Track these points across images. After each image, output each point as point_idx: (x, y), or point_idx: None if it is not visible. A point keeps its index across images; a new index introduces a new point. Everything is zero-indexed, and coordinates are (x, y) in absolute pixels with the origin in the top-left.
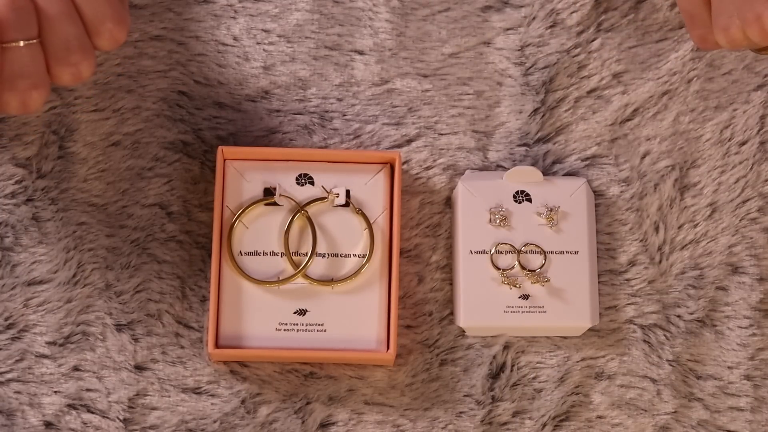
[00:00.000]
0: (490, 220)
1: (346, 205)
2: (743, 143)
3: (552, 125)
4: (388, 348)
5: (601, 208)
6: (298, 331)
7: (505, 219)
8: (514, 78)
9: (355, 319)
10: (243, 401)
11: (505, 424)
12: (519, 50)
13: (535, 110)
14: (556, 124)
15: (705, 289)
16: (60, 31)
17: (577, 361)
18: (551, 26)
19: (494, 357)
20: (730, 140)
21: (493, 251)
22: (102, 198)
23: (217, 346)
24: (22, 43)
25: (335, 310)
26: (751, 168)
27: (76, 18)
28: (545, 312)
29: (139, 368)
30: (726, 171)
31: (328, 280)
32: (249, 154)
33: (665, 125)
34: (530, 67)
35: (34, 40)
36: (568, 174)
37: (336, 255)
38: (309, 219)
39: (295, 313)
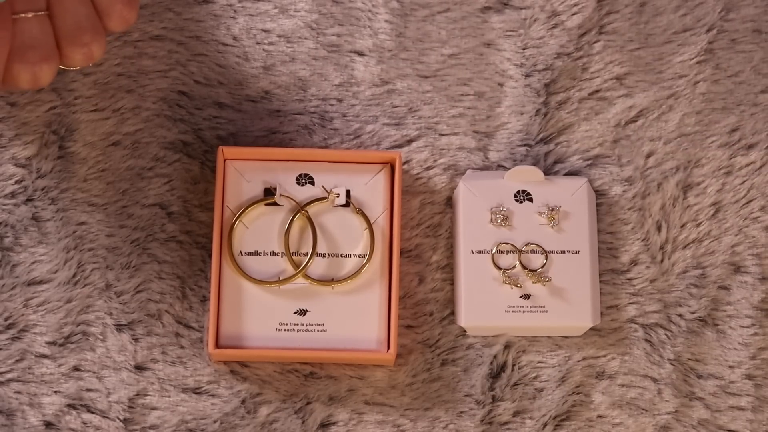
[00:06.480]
0: (491, 219)
1: (347, 205)
2: (749, 145)
3: (554, 126)
4: (388, 348)
5: (604, 207)
6: (298, 331)
7: (506, 219)
8: (515, 79)
9: (355, 319)
10: (243, 401)
11: (505, 423)
12: (520, 51)
13: (537, 111)
14: (558, 125)
15: (707, 288)
16: (71, 10)
17: (578, 361)
18: (552, 27)
19: (495, 357)
20: (736, 142)
21: (494, 251)
22: (102, 198)
23: (217, 346)
24: (30, 14)
25: (335, 310)
26: (757, 169)
27: None
28: (546, 312)
29: (139, 368)
30: (731, 172)
31: (329, 280)
32: (249, 154)
33: (670, 127)
34: (531, 69)
35: (42, 12)
36: (570, 174)
37: (336, 255)
38: (309, 219)
39: (295, 313)
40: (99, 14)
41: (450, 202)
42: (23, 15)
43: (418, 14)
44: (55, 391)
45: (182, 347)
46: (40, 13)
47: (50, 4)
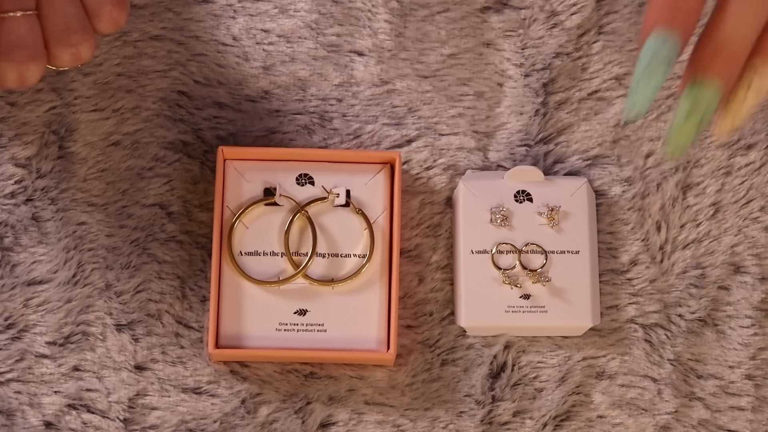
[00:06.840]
0: (491, 219)
1: (347, 205)
2: (748, 145)
3: (553, 126)
4: (388, 348)
5: (603, 207)
6: (298, 331)
7: (505, 219)
8: (515, 79)
9: (355, 319)
10: (243, 401)
11: (505, 423)
12: (519, 51)
13: (536, 111)
14: (557, 125)
15: (707, 288)
16: (60, 10)
17: (578, 361)
18: (551, 27)
19: (495, 357)
20: (736, 142)
21: (494, 251)
22: (102, 198)
23: (217, 346)
24: (19, 13)
25: (335, 310)
26: (757, 169)
27: None
28: (546, 312)
29: (139, 368)
30: (730, 172)
31: (329, 280)
32: (249, 154)
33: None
34: (530, 69)
35: (31, 12)
36: (570, 174)
37: (336, 255)
38: (309, 219)
39: (295, 313)
40: (88, 15)
41: (450, 202)
42: (11, 14)
43: (418, 14)
44: (55, 391)
45: (182, 347)
46: (28, 12)
47: (39, 3)
